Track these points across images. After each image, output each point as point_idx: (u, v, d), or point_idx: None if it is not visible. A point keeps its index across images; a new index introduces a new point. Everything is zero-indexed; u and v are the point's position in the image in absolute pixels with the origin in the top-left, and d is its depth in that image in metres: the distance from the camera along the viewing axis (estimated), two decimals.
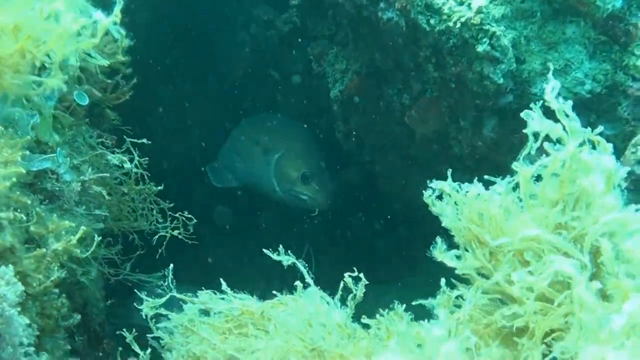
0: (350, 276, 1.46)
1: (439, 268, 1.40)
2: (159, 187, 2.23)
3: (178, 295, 1.61)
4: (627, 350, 1.09)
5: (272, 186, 3.98)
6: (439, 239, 1.38)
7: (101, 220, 1.91)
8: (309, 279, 1.48)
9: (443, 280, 1.39)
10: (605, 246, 1.19)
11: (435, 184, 1.42)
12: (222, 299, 1.54)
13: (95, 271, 2.07)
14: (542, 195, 1.30)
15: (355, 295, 1.43)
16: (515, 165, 1.36)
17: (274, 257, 1.53)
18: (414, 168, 3.40)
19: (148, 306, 1.59)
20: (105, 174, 1.93)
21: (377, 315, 1.39)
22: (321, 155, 4.04)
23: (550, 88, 1.31)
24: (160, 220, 2.24)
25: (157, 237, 2.23)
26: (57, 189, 1.81)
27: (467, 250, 1.36)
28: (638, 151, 2.29)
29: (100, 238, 2.08)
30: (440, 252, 1.38)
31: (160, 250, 2.24)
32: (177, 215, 2.22)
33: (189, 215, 2.23)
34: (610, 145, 1.35)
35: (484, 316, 1.30)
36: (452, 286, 1.40)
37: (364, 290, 1.44)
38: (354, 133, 3.63)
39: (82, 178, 1.85)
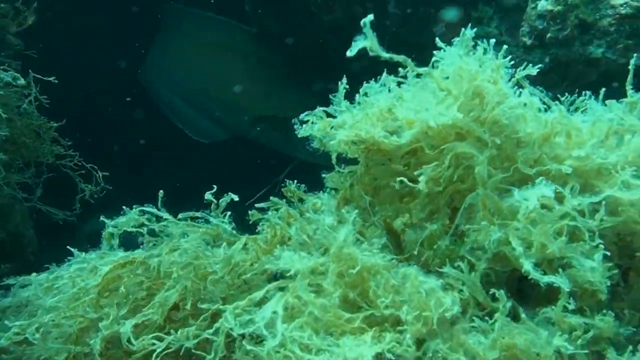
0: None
1: None
2: (60, 123, 2.18)
3: None
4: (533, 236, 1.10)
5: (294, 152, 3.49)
6: None
7: (2, 141, 1.87)
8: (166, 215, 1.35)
9: (334, 158, 1.33)
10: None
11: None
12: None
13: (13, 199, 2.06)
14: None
15: (219, 205, 1.34)
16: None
17: None
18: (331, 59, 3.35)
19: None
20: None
21: (271, 197, 1.35)
22: None
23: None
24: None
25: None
26: None
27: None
28: (537, 6, 2.30)
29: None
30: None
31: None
32: None
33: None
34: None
35: (376, 180, 1.29)
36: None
37: None
38: (269, 32, 3.55)
39: None
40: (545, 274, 1.08)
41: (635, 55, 1.39)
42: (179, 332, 1.17)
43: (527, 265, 1.08)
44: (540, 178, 1.12)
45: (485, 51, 1.17)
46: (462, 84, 1.17)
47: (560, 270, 1.08)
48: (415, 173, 1.19)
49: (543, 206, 1.11)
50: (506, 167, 1.19)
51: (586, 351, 1.06)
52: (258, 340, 1.10)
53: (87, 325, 1.27)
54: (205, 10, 3.98)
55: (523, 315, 1.09)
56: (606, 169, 1.14)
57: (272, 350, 1.05)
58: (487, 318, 1.10)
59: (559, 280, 1.06)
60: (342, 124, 1.24)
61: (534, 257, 1.09)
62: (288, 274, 1.15)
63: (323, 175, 1.34)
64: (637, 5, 2.13)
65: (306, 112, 1.28)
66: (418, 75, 1.23)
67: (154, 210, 1.32)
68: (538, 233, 1.09)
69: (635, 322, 1.13)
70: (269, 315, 1.10)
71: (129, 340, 1.17)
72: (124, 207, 1.35)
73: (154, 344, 1.16)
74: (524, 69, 1.19)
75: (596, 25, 2.17)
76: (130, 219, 1.33)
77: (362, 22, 1.17)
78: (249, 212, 1.34)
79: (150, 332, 1.20)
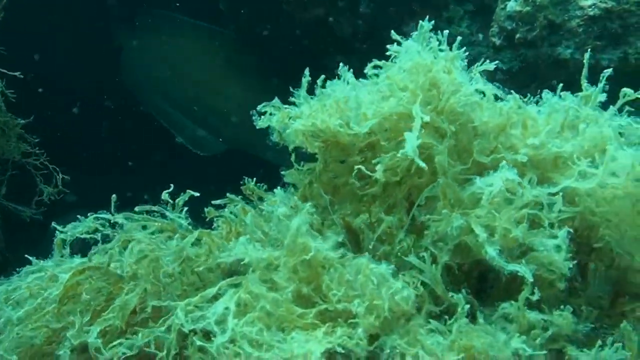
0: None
1: None
2: (27, 120, 2.16)
3: None
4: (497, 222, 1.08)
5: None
6: None
7: None
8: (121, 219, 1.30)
9: (293, 156, 1.31)
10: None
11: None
12: None
13: None
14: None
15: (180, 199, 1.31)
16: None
17: None
18: (306, 59, 3.34)
19: None
20: None
21: (227, 194, 1.32)
22: None
23: None
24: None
25: None
26: None
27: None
28: (506, 7, 2.30)
29: None
30: None
31: None
32: None
33: None
34: None
35: (335, 178, 1.27)
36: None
37: None
38: (247, 30, 3.53)
39: None
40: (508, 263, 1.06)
41: (589, 51, 1.39)
42: (139, 335, 1.13)
43: (491, 252, 1.05)
44: (503, 162, 1.10)
45: (439, 43, 1.15)
46: (418, 77, 1.15)
47: (522, 261, 1.06)
48: (373, 161, 1.16)
49: (508, 190, 1.09)
50: (464, 158, 1.18)
51: (544, 352, 1.04)
52: (212, 336, 1.07)
53: (51, 336, 1.23)
54: (182, 15, 3.96)
55: (481, 320, 1.07)
56: (562, 159, 1.13)
57: (221, 346, 1.03)
58: (445, 316, 1.08)
59: (523, 270, 1.04)
60: (300, 115, 1.21)
61: (497, 244, 1.07)
62: (243, 263, 1.12)
63: (282, 172, 1.31)
64: (605, 6, 2.13)
65: (264, 103, 1.26)
66: (375, 67, 1.21)
67: (108, 216, 1.28)
68: (502, 218, 1.07)
69: (592, 319, 1.12)
70: (220, 311, 1.08)
71: (97, 350, 1.13)
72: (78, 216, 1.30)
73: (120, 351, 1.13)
74: (481, 64, 1.18)
75: (565, 26, 2.17)
76: (84, 225, 1.29)
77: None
78: (205, 209, 1.31)
79: (113, 338, 1.16)
